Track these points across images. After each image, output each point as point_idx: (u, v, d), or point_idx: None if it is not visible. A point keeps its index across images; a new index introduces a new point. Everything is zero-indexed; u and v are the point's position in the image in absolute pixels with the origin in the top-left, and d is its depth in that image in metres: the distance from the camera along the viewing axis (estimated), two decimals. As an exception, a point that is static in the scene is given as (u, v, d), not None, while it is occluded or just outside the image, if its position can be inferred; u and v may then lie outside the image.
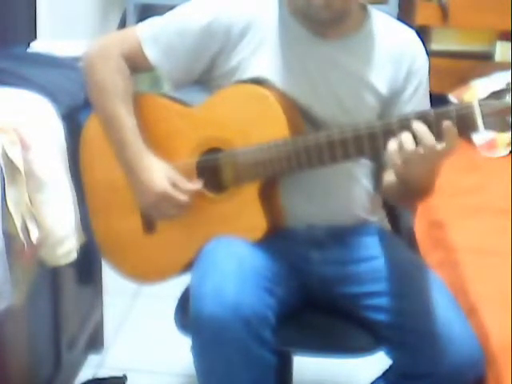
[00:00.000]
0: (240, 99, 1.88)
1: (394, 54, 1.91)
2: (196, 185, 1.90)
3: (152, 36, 1.92)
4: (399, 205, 2.15)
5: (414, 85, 1.92)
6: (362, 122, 1.78)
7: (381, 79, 1.90)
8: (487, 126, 1.63)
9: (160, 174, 1.89)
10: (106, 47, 1.95)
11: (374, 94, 1.90)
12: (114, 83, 1.91)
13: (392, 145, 1.68)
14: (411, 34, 1.96)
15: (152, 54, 1.92)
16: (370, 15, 1.92)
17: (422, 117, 1.68)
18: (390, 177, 1.85)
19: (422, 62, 1.94)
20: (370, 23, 1.92)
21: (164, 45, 1.91)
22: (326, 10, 1.80)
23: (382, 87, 1.90)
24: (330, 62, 1.88)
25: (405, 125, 1.68)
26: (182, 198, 1.89)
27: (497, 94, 1.63)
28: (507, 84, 1.62)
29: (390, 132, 1.71)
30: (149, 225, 2.00)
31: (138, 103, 1.93)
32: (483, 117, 1.62)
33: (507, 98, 1.61)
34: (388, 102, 1.91)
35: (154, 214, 1.95)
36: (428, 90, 1.96)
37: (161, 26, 1.93)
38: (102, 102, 1.93)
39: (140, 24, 1.96)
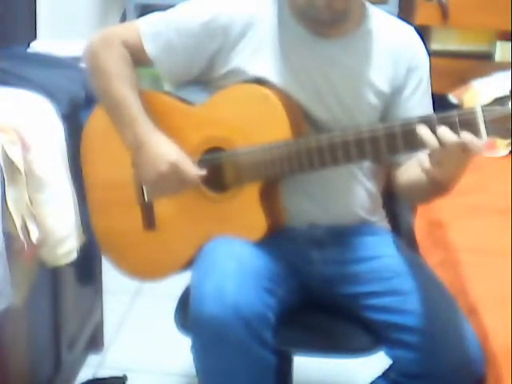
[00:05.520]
0: (242, 99, 1.88)
1: (393, 51, 1.91)
2: (201, 171, 1.88)
3: (152, 32, 1.91)
4: (414, 202, 2.15)
5: (415, 81, 1.92)
6: (365, 124, 1.78)
7: (381, 77, 1.90)
8: (489, 133, 1.62)
9: (172, 147, 1.88)
10: (109, 37, 1.95)
11: (374, 91, 1.90)
12: (118, 68, 1.91)
13: (431, 139, 1.64)
14: (410, 31, 1.96)
15: (151, 50, 1.92)
16: (370, 13, 1.93)
17: (425, 121, 1.67)
18: (411, 175, 1.84)
19: (421, 58, 1.94)
20: (369, 21, 1.91)
21: (163, 42, 1.91)
22: (327, 11, 1.80)
23: (383, 85, 1.90)
24: (330, 61, 1.88)
25: (407, 129, 1.69)
26: (190, 174, 1.88)
27: (499, 101, 1.61)
28: (510, 91, 1.61)
29: (392, 135, 1.71)
30: (149, 222, 2.00)
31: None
32: (486, 123, 1.61)
33: (508, 104, 1.60)
34: (390, 100, 1.91)
35: (160, 186, 1.91)
36: (430, 86, 1.96)
37: (161, 22, 1.92)
38: (108, 87, 1.91)
39: (141, 19, 1.96)
